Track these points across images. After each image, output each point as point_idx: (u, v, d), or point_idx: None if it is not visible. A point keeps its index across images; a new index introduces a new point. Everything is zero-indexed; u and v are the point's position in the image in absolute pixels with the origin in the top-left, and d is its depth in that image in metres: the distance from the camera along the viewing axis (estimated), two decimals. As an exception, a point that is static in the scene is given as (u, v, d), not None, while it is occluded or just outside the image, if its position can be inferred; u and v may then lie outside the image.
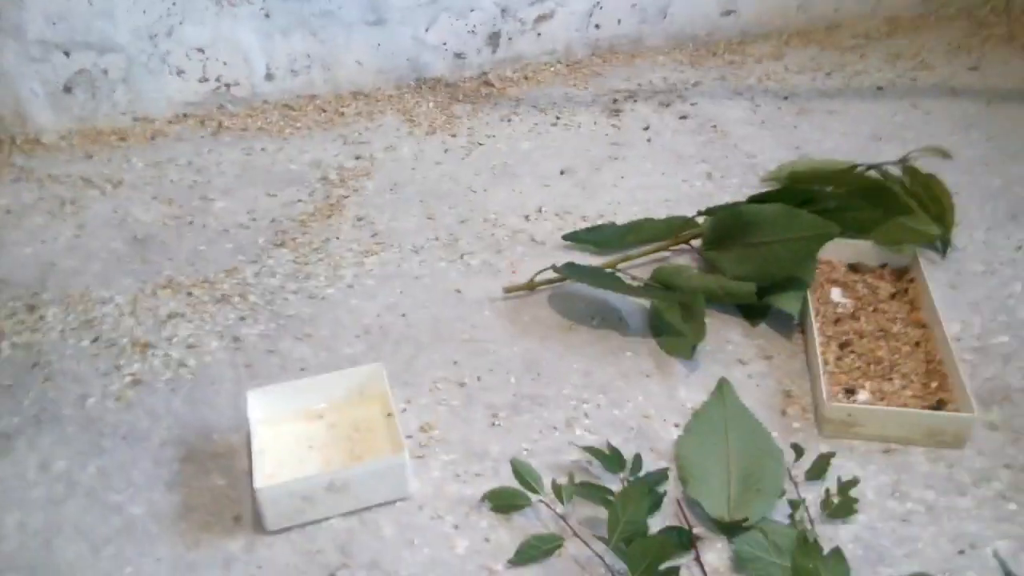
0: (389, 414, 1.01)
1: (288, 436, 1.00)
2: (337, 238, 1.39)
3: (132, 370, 1.13)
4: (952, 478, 0.97)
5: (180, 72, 1.67)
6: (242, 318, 1.22)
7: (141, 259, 1.34)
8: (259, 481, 0.89)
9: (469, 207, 1.46)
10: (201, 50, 1.65)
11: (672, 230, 1.36)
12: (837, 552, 0.83)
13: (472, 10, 1.78)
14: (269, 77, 1.73)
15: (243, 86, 1.72)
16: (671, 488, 0.96)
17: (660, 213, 1.42)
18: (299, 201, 1.48)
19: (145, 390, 1.10)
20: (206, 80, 1.70)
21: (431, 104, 1.77)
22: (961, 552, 0.89)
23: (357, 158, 1.60)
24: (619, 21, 1.91)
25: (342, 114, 1.74)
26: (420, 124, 1.70)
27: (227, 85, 1.71)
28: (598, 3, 1.86)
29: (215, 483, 0.98)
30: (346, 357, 1.15)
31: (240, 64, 1.69)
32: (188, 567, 0.89)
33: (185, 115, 1.71)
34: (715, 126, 1.70)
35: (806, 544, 0.83)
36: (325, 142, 1.65)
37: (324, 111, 1.74)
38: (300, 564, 0.89)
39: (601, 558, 0.88)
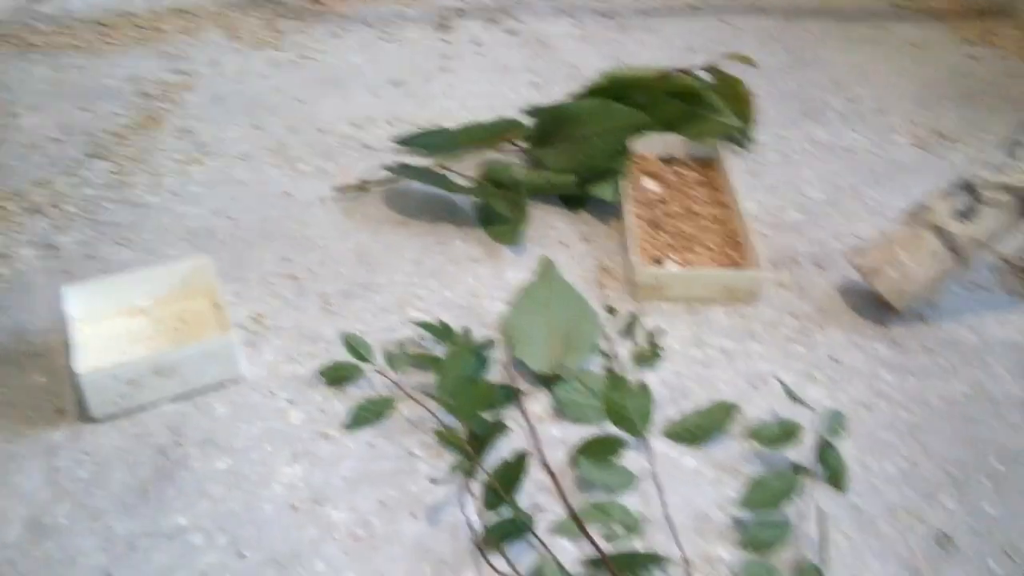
0: (217, 305, 1.02)
1: (110, 331, 0.99)
2: (158, 149, 1.36)
3: (-63, 281, 1.08)
4: (746, 328, 1.08)
5: (-24, -14, 1.56)
6: (57, 227, 1.18)
7: (-59, 175, 1.26)
8: (80, 367, 0.88)
9: (298, 117, 1.46)
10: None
11: (499, 130, 1.41)
12: (642, 385, 0.91)
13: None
14: (77, -8, 1.64)
15: (51, 3, 1.63)
16: (498, 354, 1.02)
17: (489, 119, 1.45)
18: (115, 115, 1.43)
19: (-47, 299, 1.05)
20: (6, -5, 1.59)
21: (255, 21, 1.73)
22: (753, 386, 1.00)
23: (178, 73, 1.55)
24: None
25: (161, 30, 1.67)
26: (244, 40, 1.67)
27: (33, 1, 1.61)
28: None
29: (34, 381, 0.95)
30: (171, 259, 1.14)
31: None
32: (8, 458, 0.87)
33: (-15, 33, 1.60)
34: (540, 41, 1.76)
35: (615, 380, 0.91)
36: (142, 58, 1.58)
37: (141, 27, 1.67)
38: (130, 447, 0.89)
39: (433, 414, 0.93)
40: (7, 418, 0.91)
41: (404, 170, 1.27)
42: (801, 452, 0.90)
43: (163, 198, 1.25)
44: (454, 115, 1.49)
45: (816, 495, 0.87)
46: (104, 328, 0.99)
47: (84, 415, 0.91)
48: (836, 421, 0.92)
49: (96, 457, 0.87)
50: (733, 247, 1.19)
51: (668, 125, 1.39)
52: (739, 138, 1.46)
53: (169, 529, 0.81)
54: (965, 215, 1.05)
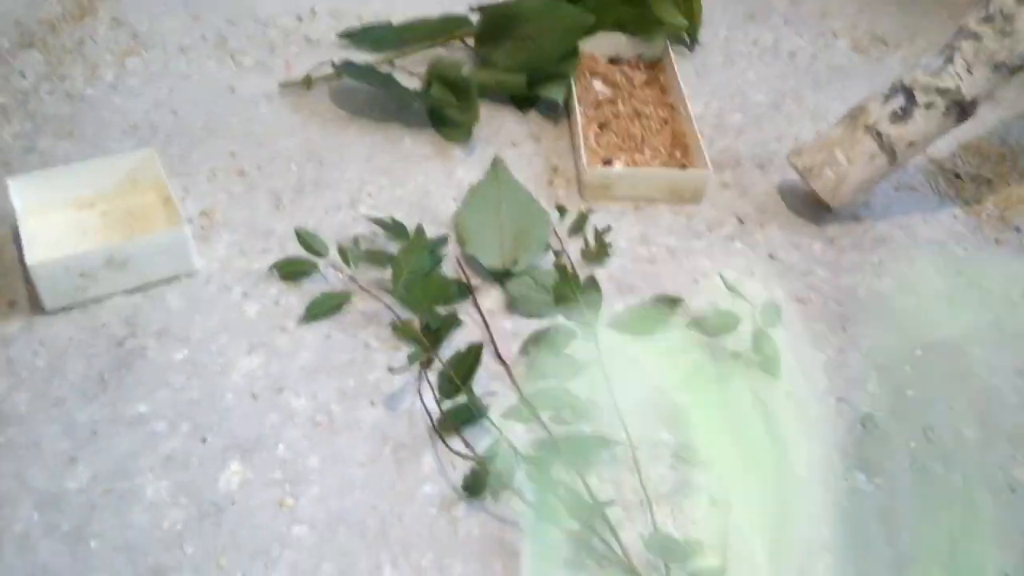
0: (166, 199, 1.01)
1: (58, 224, 0.98)
2: (92, 39, 1.30)
3: None
4: (690, 227, 1.12)
5: None
6: (-9, 119, 1.14)
7: None
8: (32, 259, 0.87)
9: (237, 8, 1.41)
10: None
11: (447, 27, 1.39)
12: (590, 279, 0.95)
13: None
14: None
15: None
16: (451, 250, 1.04)
17: (434, 15, 1.43)
18: (44, 2, 1.36)
19: None
20: None
21: (187, -95, 1.64)
22: (695, 281, 1.04)
23: (108, -41, 1.48)
24: None
25: (85, -88, 1.58)
26: (176, -75, 1.58)
27: None
28: None
29: (-19, 274, 0.94)
30: (114, 153, 1.11)
31: None
32: (-39, 349, 0.87)
33: None
34: (487, -65, 1.71)
35: (565, 275, 0.94)
36: (68, -59, 1.50)
37: (63, -92, 1.57)
38: (85, 338, 0.89)
39: (389, 308, 0.95)
40: (-45, 311, 0.90)
41: (350, 69, 1.25)
42: (739, 341, 0.95)
43: (101, 90, 1.21)
44: (398, 10, 1.46)
45: (752, 381, 0.93)
46: (52, 221, 0.97)
47: (36, 307, 0.90)
48: (772, 312, 0.97)
49: (52, 347, 0.88)
50: (680, 148, 1.22)
51: (617, 25, 1.39)
52: (685, 39, 1.47)
53: (130, 416, 0.83)
54: (900, 117, 1.09)
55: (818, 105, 1.36)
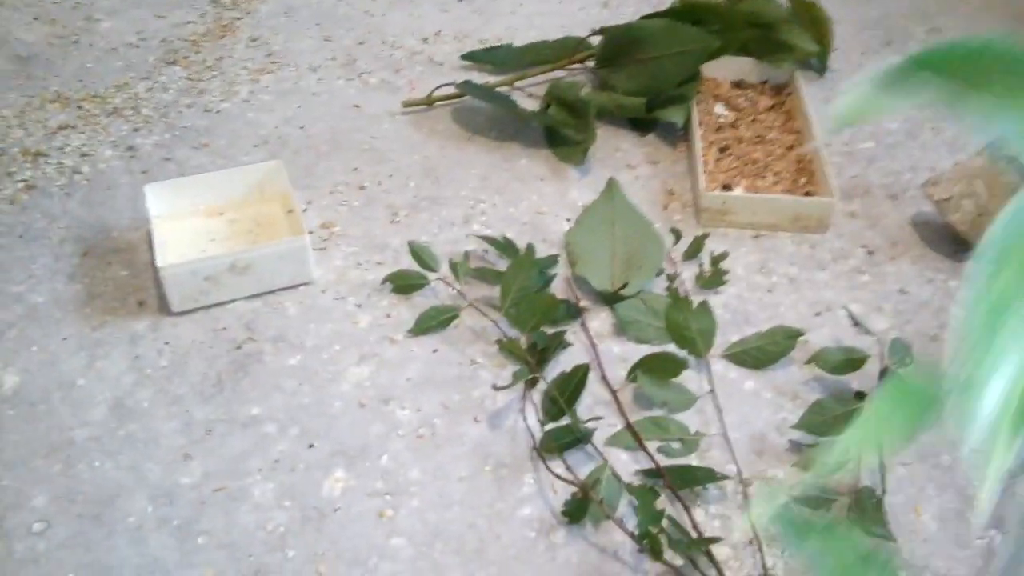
0: (290, 211, 1.04)
1: (188, 230, 1.02)
2: (231, 57, 1.37)
3: (24, 176, 1.12)
4: (814, 257, 1.07)
5: None
6: (136, 129, 1.21)
7: (26, 76, 1.30)
8: (162, 261, 0.91)
9: (366, 30, 1.46)
10: None
11: (567, 50, 1.39)
12: (703, 305, 0.92)
13: None
14: (151, -102, 1.63)
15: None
16: (561, 271, 1.03)
17: (556, 38, 1.44)
18: (189, 22, 1.44)
19: (39, 194, 1.10)
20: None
21: (325, -69, 1.72)
22: (817, 314, 0.99)
23: (249, -18, 1.55)
24: None
25: (232, -61, 1.67)
26: (314, -49, 1.65)
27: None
28: None
29: (117, 274, 0.99)
30: (245, 164, 1.16)
31: None
32: (94, 344, 0.91)
33: (61, -63, 1.61)
34: (612, -41, 1.71)
35: (678, 300, 0.91)
36: (215, -34, 1.59)
37: (212, -64, 1.67)
38: (207, 339, 0.92)
39: (496, 325, 0.94)
40: (92, 308, 0.95)
41: (470, 88, 1.26)
42: (864, 380, 0.90)
43: (236, 105, 1.27)
44: (520, 32, 1.48)
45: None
46: (182, 227, 1.02)
47: (164, 308, 0.95)
48: (902, 350, 0.91)
49: (175, 347, 0.91)
50: (803, 175, 1.17)
51: (742, 49, 1.36)
52: (815, 64, 1.42)
53: (244, 418, 0.85)
54: (1051, 149, 1.01)
55: (957, 135, 1.28)
